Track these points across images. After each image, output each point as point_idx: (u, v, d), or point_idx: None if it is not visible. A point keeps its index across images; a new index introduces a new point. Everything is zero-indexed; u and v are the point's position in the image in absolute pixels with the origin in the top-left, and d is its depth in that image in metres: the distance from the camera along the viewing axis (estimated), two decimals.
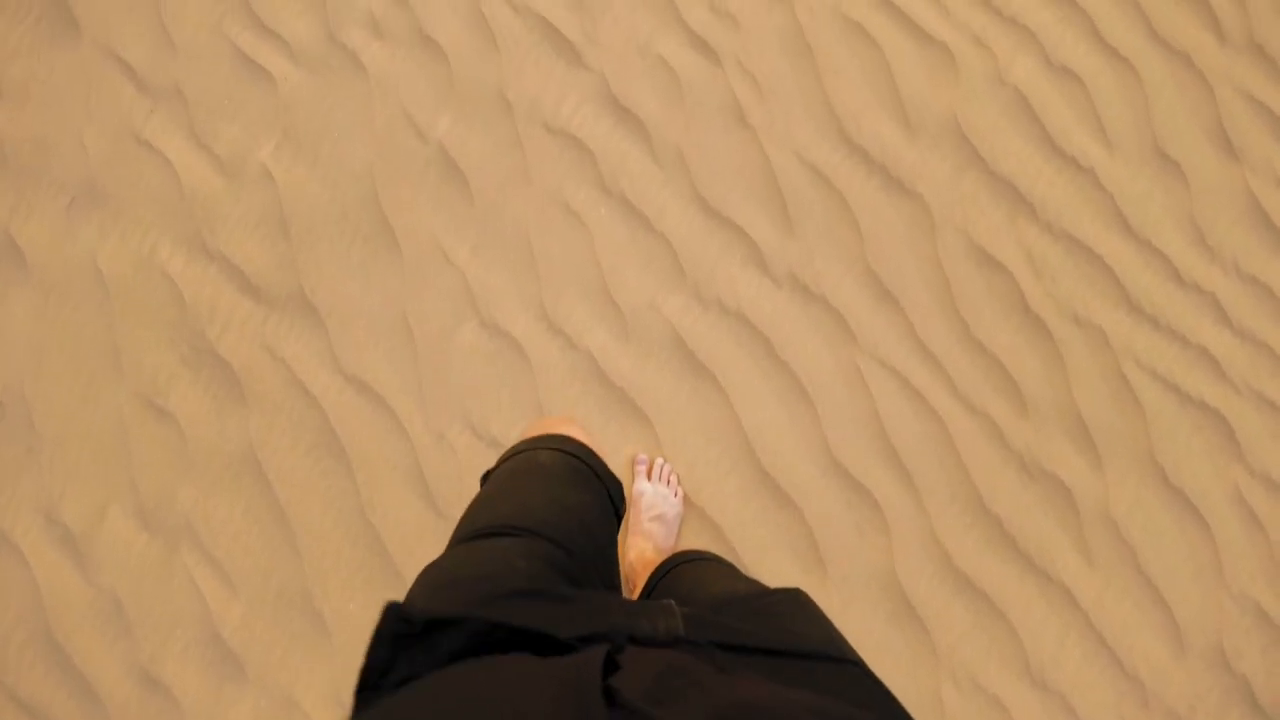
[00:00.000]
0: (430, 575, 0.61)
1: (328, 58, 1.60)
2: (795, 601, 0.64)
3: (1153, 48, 1.66)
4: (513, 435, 1.47)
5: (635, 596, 1.09)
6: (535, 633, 0.43)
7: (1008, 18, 1.65)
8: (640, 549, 1.35)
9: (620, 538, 1.41)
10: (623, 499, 0.80)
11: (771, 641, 0.52)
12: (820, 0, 1.63)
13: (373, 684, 0.40)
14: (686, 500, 1.47)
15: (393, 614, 0.41)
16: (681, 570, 0.88)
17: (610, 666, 0.37)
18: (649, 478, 1.45)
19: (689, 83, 1.60)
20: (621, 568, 1.35)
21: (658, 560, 1.25)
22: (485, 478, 0.79)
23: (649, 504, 1.40)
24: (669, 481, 1.44)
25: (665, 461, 1.47)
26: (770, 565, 1.46)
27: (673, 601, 0.56)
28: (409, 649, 0.41)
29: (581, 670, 0.36)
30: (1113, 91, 1.64)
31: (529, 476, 0.74)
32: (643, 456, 1.47)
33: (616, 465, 1.29)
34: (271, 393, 1.50)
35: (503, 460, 0.79)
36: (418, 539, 1.45)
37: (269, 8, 1.61)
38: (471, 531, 0.66)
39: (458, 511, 0.93)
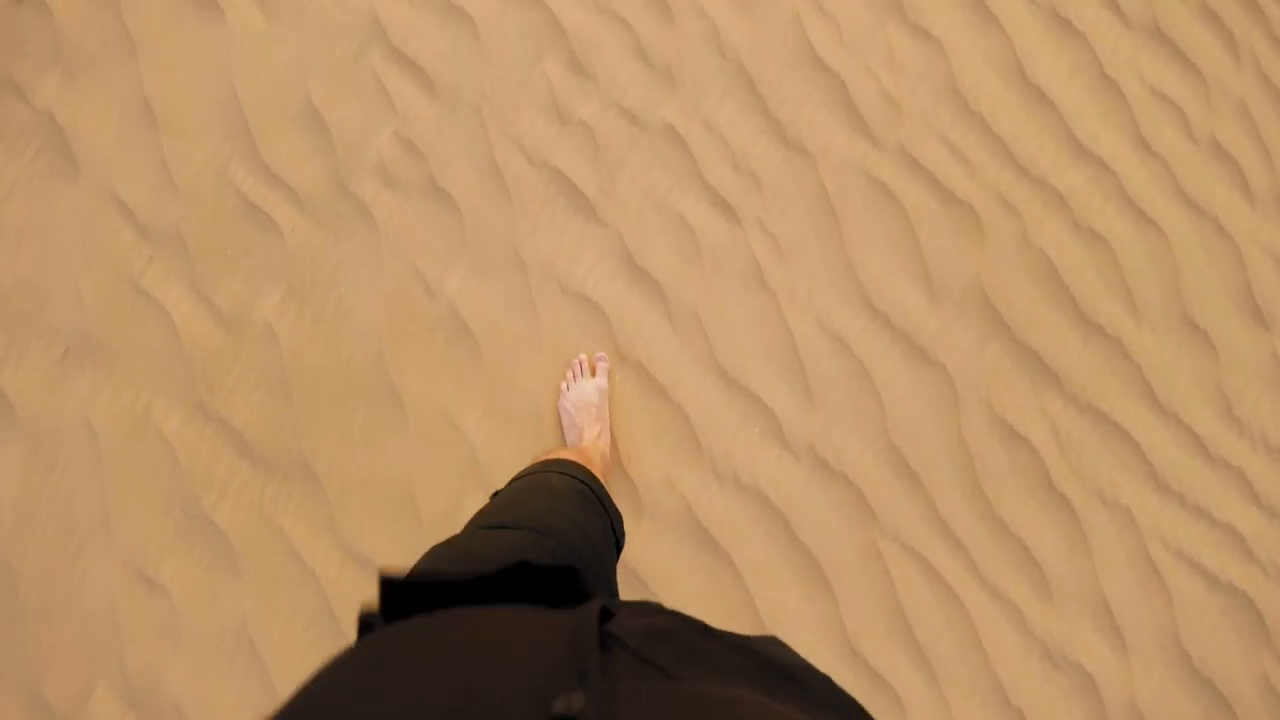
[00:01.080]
0: (439, 551, 0.63)
1: (336, 207, 1.55)
2: (774, 641, 0.64)
3: (1182, 210, 1.63)
4: None
5: None
6: (539, 579, 0.43)
7: (1036, 178, 1.61)
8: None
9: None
10: (623, 531, 0.83)
11: (748, 645, 0.51)
12: (844, 158, 1.59)
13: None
14: None
15: (391, 582, 0.41)
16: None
17: (605, 615, 0.38)
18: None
19: (708, 242, 1.55)
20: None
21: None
22: (495, 495, 0.81)
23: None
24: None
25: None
26: None
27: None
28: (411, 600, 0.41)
29: (580, 616, 0.36)
30: (1141, 256, 1.61)
31: (539, 493, 0.78)
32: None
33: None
34: (268, 565, 1.44)
35: (514, 480, 0.82)
36: None
37: (276, 153, 1.56)
38: (483, 524, 0.69)
39: None
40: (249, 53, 1.59)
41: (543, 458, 0.87)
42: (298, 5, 1.61)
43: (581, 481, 0.80)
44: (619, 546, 0.81)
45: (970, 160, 1.61)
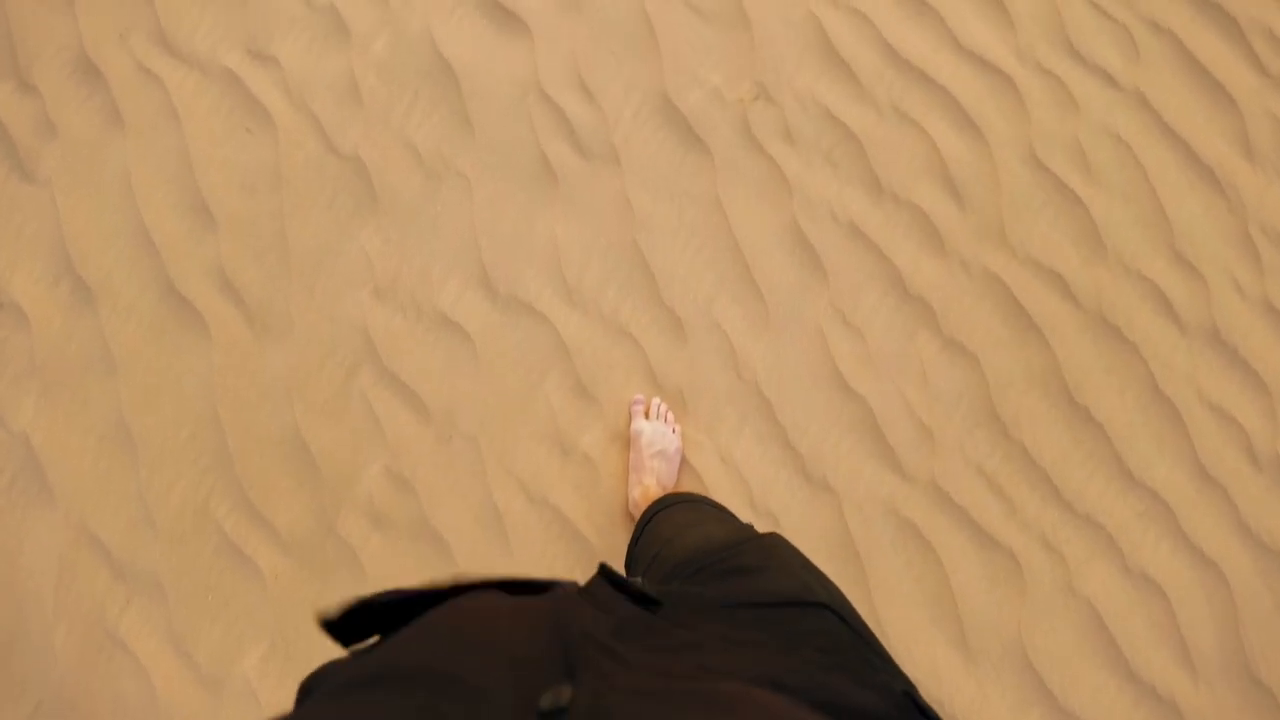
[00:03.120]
0: None
1: (322, 549, 1.45)
2: (767, 550, 0.64)
3: (1243, 546, 1.48)
4: None
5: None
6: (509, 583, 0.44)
7: (1081, 514, 1.47)
8: (645, 485, 1.38)
9: (627, 475, 1.45)
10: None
11: (735, 597, 0.52)
12: (870, 494, 1.46)
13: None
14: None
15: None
16: (658, 520, 0.94)
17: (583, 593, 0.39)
18: (646, 416, 1.44)
19: None
20: (628, 506, 1.42)
21: (661, 495, 1.31)
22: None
23: (649, 441, 1.40)
24: (666, 418, 1.45)
25: (660, 400, 1.47)
26: None
27: (641, 580, 0.62)
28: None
29: (558, 603, 0.37)
30: (1198, 603, 1.46)
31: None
32: (639, 396, 1.47)
33: (618, 409, 1.47)
34: None
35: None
36: None
37: (260, 487, 1.46)
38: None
39: None
40: (233, 371, 1.49)
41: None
42: (285, 318, 1.51)
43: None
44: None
45: (1010, 496, 1.47)
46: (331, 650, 0.45)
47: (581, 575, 1.44)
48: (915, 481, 1.47)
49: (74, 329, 1.52)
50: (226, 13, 1.63)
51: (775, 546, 0.65)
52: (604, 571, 0.50)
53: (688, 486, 1.45)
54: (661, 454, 1.40)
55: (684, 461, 1.46)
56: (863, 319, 1.51)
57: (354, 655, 0.39)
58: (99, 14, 1.64)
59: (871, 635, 0.51)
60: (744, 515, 1.45)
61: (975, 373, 1.51)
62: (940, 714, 0.50)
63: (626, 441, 1.47)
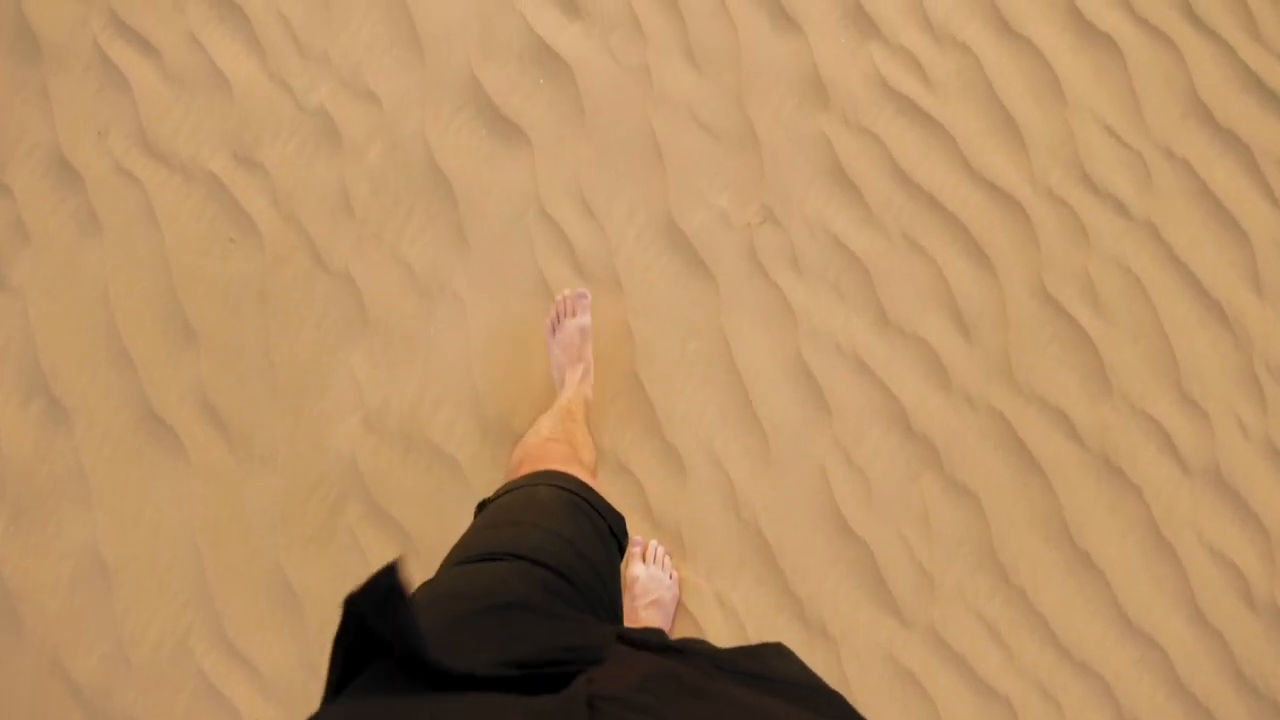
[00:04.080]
0: (427, 590, 0.60)
1: (305, 690, 1.40)
2: (779, 652, 0.66)
3: (1237, 695, 1.48)
4: None
5: None
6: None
7: (1078, 661, 1.46)
8: None
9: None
10: (625, 533, 0.80)
11: (759, 670, 0.52)
12: (869, 640, 1.44)
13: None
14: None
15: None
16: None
17: (591, 702, 0.36)
18: (644, 560, 1.40)
19: None
20: None
21: None
22: (480, 508, 0.78)
23: (644, 589, 1.36)
24: (663, 564, 1.40)
25: (659, 544, 1.42)
26: None
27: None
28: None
29: (564, 704, 0.35)
30: None
31: (526, 509, 0.74)
32: (637, 539, 1.42)
33: None
34: None
35: (499, 494, 0.78)
36: None
37: (241, 625, 1.40)
38: (465, 556, 0.66)
39: None
40: (214, 501, 1.44)
41: (528, 468, 0.85)
42: (269, 445, 1.45)
43: (571, 491, 0.76)
44: (621, 549, 0.78)
45: (1008, 643, 1.46)
46: None
47: None
48: (914, 627, 1.45)
49: (46, 451, 1.45)
50: (211, 112, 1.55)
51: (785, 651, 0.66)
52: (621, 636, 0.49)
53: (681, 633, 1.42)
54: (657, 603, 1.36)
55: (681, 605, 1.43)
56: (865, 458, 1.48)
57: None
58: (76, 109, 1.56)
59: None
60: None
61: (977, 515, 1.48)
62: None
63: (627, 581, 1.44)
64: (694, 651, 0.51)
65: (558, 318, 1.43)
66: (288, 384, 1.47)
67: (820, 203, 1.55)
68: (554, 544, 0.67)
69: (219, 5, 1.59)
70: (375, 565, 1.45)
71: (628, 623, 1.37)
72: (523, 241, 1.52)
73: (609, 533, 0.76)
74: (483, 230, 1.52)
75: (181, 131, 1.55)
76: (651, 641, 0.49)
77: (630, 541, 1.42)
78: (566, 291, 1.44)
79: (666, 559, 1.42)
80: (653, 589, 1.37)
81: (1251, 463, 1.54)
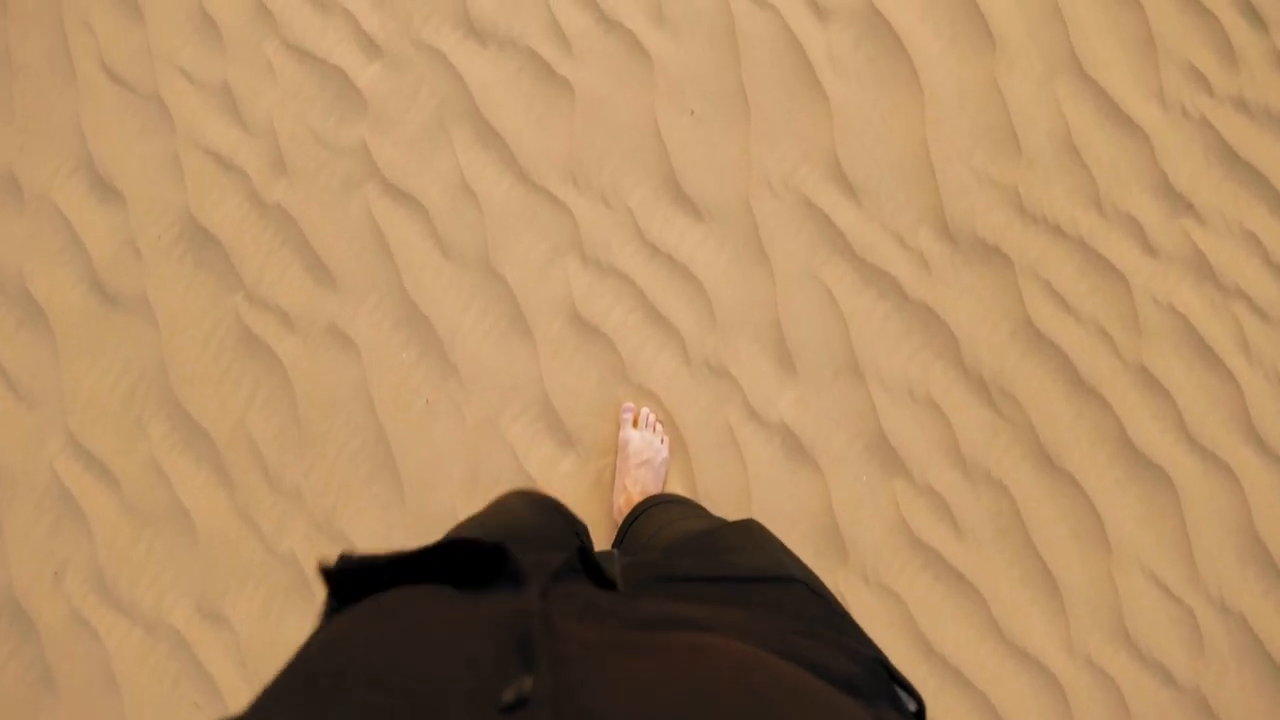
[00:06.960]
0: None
1: None
2: (745, 532, 0.66)
3: None
4: None
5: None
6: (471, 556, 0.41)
7: None
8: (629, 493, 1.39)
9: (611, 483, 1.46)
10: (588, 536, 0.83)
11: (711, 571, 0.53)
12: None
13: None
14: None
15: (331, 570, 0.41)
16: (650, 513, 0.98)
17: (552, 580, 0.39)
18: (635, 425, 1.45)
19: None
20: (612, 513, 1.43)
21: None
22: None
23: (636, 450, 1.42)
24: (654, 428, 1.46)
25: (649, 410, 1.48)
26: None
27: (616, 551, 0.68)
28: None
29: (519, 600, 0.36)
30: None
31: (494, 513, 0.75)
32: (629, 405, 1.48)
33: (607, 416, 1.48)
34: None
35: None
36: None
37: None
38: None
39: None
40: None
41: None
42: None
43: (539, 499, 0.79)
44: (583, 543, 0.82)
45: None
46: None
47: None
48: None
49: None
50: (174, 556, 1.44)
51: (752, 529, 0.67)
52: (581, 554, 0.49)
53: (673, 486, 1.46)
54: (648, 463, 1.41)
55: (669, 473, 1.45)
56: None
57: (310, 650, 0.36)
58: (30, 545, 1.44)
59: (844, 610, 0.54)
60: None
61: None
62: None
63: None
64: (647, 570, 0.52)
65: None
66: None
67: None
68: (525, 530, 0.70)
69: (183, 428, 1.47)
70: None
71: (620, 479, 1.41)
72: None
73: (575, 534, 0.75)
74: None
75: (143, 578, 1.43)
76: (599, 570, 0.48)
77: (623, 409, 1.48)
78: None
79: (658, 425, 1.47)
80: (644, 450, 1.41)
81: None
